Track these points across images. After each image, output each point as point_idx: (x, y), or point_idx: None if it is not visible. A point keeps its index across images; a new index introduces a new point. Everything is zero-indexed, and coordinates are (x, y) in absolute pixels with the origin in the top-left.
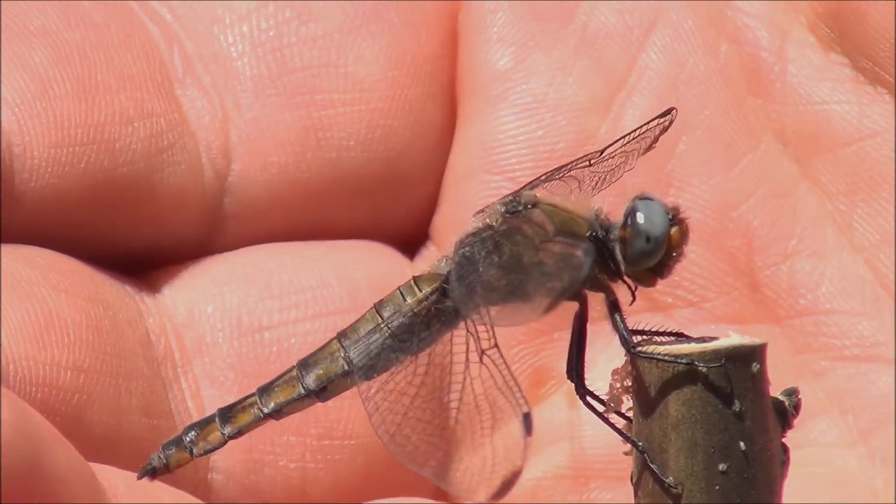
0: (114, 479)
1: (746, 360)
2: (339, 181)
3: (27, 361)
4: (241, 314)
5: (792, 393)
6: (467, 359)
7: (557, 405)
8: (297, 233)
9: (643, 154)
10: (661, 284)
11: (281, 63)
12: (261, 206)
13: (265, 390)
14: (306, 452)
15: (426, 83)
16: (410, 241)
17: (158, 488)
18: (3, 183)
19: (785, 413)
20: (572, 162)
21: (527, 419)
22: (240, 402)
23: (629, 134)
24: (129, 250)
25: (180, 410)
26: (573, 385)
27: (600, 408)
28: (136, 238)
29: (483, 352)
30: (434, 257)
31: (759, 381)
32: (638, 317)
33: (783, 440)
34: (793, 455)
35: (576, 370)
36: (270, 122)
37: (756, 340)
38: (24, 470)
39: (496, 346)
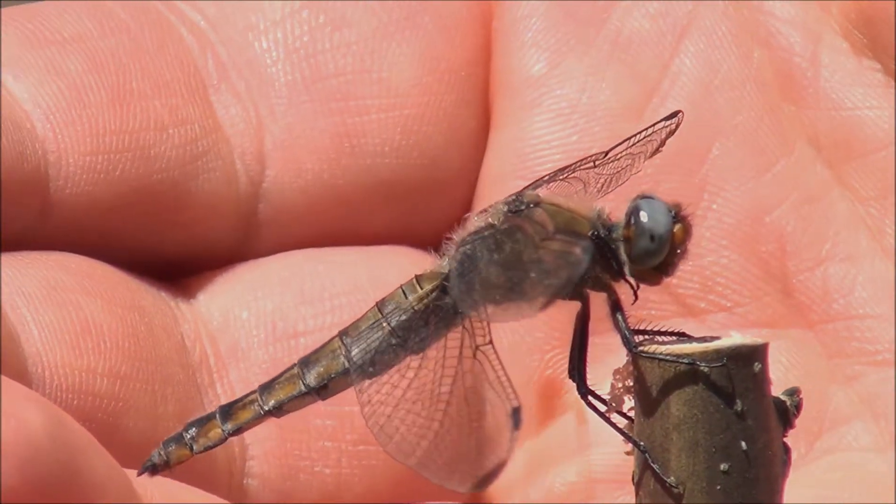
0: (149, 485)
1: (748, 360)
2: (373, 187)
3: (64, 369)
4: (275, 320)
5: (793, 392)
6: (461, 353)
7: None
8: (331, 239)
9: (650, 157)
10: (693, 289)
11: (315, 69)
12: (295, 212)
13: (266, 388)
14: (342, 458)
15: (460, 89)
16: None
17: (192, 493)
18: (38, 191)
19: (786, 413)
20: (576, 163)
21: (516, 413)
22: (240, 399)
23: (634, 136)
24: (164, 257)
25: None
26: (574, 385)
27: (602, 408)
28: (171, 244)
29: (477, 347)
30: None
31: (761, 380)
32: (670, 321)
33: (785, 440)
34: (826, 460)
35: (577, 370)
36: (305, 129)
37: (757, 340)
38: (61, 477)
39: (490, 342)
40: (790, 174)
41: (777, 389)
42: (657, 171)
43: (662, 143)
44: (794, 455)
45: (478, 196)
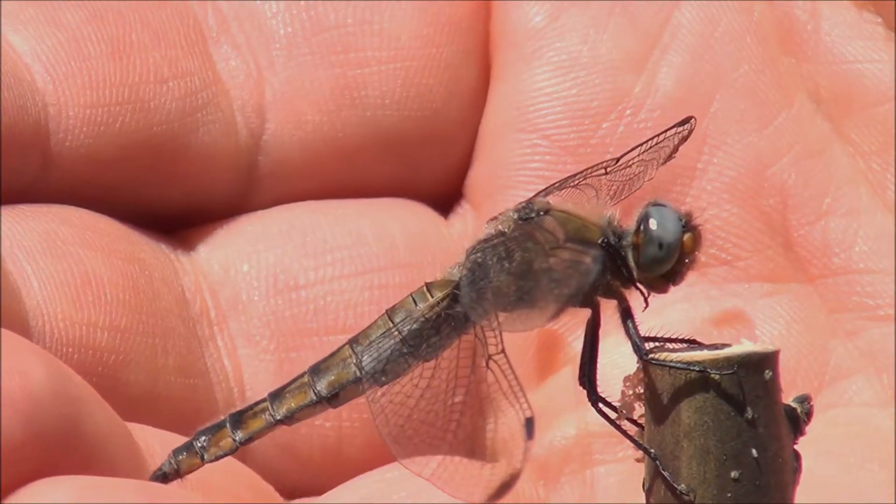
0: (150, 438)
1: (759, 368)
2: (373, 140)
3: (64, 322)
4: (276, 272)
5: (804, 400)
6: (473, 363)
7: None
8: (331, 191)
9: (663, 164)
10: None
11: (315, 21)
12: (295, 164)
13: (277, 396)
14: (342, 412)
15: (461, 41)
16: (445, 199)
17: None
18: (39, 144)
19: (797, 420)
20: (587, 170)
21: (529, 424)
22: (251, 407)
23: (647, 142)
24: (164, 209)
25: (216, 369)
26: (585, 392)
27: (612, 415)
28: (171, 197)
29: (490, 357)
30: (468, 215)
31: (772, 388)
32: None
33: (795, 447)
34: (827, 414)
35: (588, 377)
36: (305, 81)
37: (768, 347)
38: (63, 430)
39: (503, 351)
40: (791, 128)
41: (781, 343)
42: (658, 127)
43: (676, 150)
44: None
45: (478, 148)
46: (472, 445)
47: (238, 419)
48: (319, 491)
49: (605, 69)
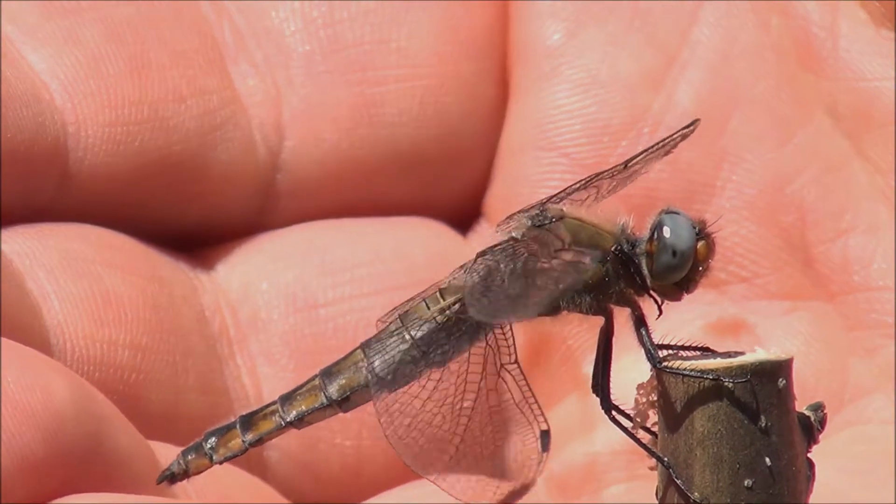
0: (171, 456)
1: (772, 376)
2: (391, 158)
3: (85, 340)
4: (296, 290)
5: (818, 408)
6: (485, 370)
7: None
8: (349, 209)
9: (661, 159)
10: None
11: (333, 39)
12: (313, 182)
13: (287, 398)
14: (363, 430)
15: (479, 58)
16: (463, 218)
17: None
18: (58, 162)
19: (810, 428)
20: (594, 176)
21: (545, 436)
22: (261, 409)
23: (654, 146)
24: (183, 227)
25: (236, 387)
26: (598, 400)
27: (627, 423)
28: (190, 215)
29: (502, 366)
30: (487, 233)
31: (786, 396)
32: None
33: (809, 455)
34: (847, 432)
35: (601, 385)
36: (323, 99)
37: (782, 355)
38: (86, 448)
39: (516, 361)
40: (810, 144)
41: (800, 361)
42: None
43: (675, 145)
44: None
45: (497, 166)
46: (482, 453)
47: (248, 421)
48: None
49: (624, 86)
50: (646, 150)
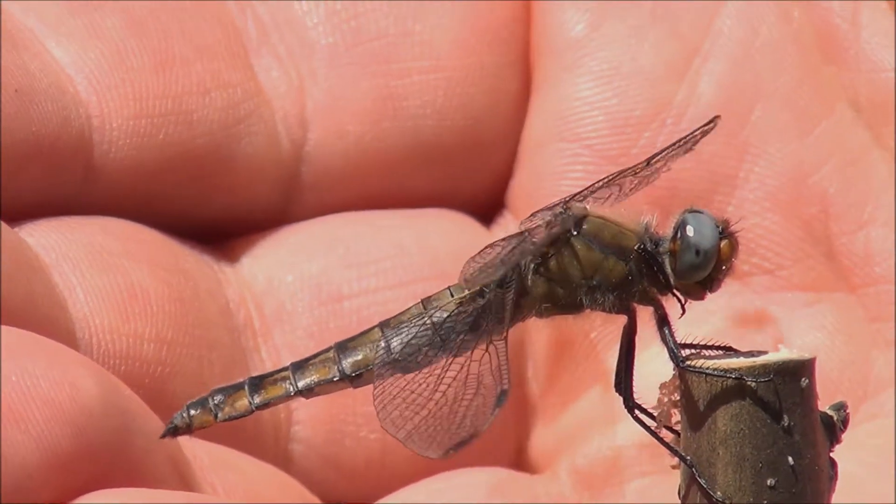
0: (198, 450)
1: (795, 375)
2: (415, 150)
3: (111, 334)
4: (320, 283)
5: (840, 407)
6: (475, 346)
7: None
8: (373, 201)
9: (682, 156)
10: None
11: (356, 31)
12: (337, 174)
13: (299, 367)
14: None
15: (502, 50)
16: (487, 209)
17: (242, 459)
18: (83, 155)
19: (833, 427)
20: (620, 172)
21: (502, 395)
22: (272, 374)
23: (675, 143)
24: (207, 220)
25: None
26: (621, 399)
27: (650, 422)
28: (214, 208)
29: (492, 341)
30: (510, 225)
31: (808, 395)
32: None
33: (831, 454)
34: (869, 425)
35: (624, 384)
36: (346, 92)
37: (805, 355)
38: (114, 444)
39: (505, 339)
40: (832, 136)
41: (824, 354)
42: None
43: (696, 142)
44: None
45: (520, 158)
46: (448, 412)
47: (258, 384)
48: (365, 502)
49: (646, 78)
50: (667, 148)
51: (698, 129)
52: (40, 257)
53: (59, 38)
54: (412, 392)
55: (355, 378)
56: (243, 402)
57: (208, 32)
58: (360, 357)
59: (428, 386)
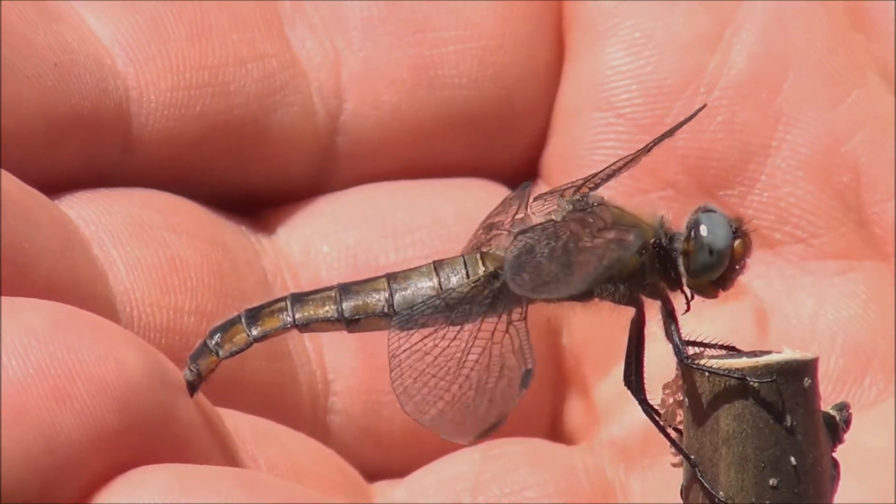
0: (240, 423)
1: (798, 375)
2: (450, 119)
3: (151, 307)
4: (356, 253)
5: (843, 407)
6: (495, 328)
7: None
8: (408, 171)
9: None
10: (769, 221)
11: (390, 1)
12: (373, 144)
13: (298, 299)
14: None
15: (535, 18)
16: (520, 178)
17: (283, 432)
18: (122, 127)
19: (836, 427)
20: (622, 162)
21: (527, 375)
22: (268, 304)
23: (667, 132)
24: (243, 191)
25: (298, 352)
26: (630, 392)
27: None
28: (250, 179)
29: (511, 322)
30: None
31: (811, 395)
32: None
33: (833, 454)
34: None
35: (634, 376)
36: (381, 61)
37: (808, 355)
38: (159, 418)
39: (524, 319)
40: (864, 105)
41: (857, 324)
42: (731, 104)
43: (680, 126)
44: (874, 390)
45: (553, 127)
46: (473, 396)
47: (254, 315)
48: (402, 473)
49: (679, 47)
50: (665, 135)
51: (691, 115)
52: (80, 230)
53: (96, 11)
54: (433, 376)
55: (352, 323)
56: (241, 336)
57: (243, 4)
58: (360, 302)
59: (449, 370)
